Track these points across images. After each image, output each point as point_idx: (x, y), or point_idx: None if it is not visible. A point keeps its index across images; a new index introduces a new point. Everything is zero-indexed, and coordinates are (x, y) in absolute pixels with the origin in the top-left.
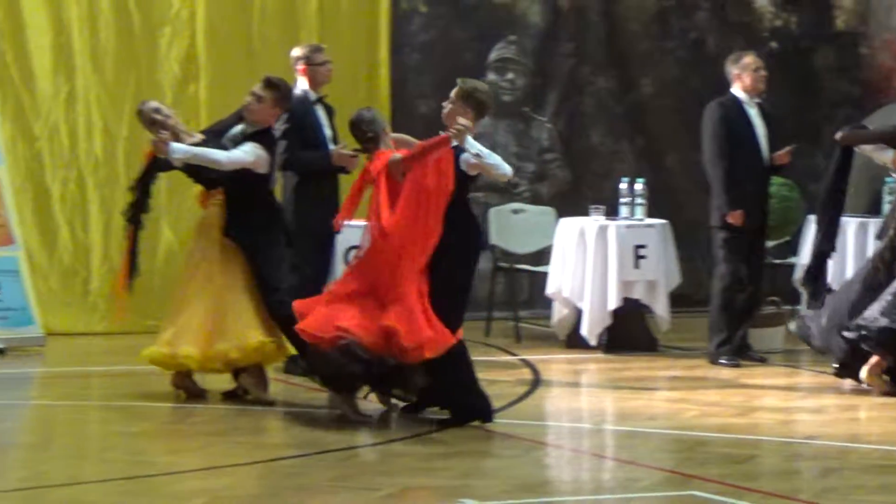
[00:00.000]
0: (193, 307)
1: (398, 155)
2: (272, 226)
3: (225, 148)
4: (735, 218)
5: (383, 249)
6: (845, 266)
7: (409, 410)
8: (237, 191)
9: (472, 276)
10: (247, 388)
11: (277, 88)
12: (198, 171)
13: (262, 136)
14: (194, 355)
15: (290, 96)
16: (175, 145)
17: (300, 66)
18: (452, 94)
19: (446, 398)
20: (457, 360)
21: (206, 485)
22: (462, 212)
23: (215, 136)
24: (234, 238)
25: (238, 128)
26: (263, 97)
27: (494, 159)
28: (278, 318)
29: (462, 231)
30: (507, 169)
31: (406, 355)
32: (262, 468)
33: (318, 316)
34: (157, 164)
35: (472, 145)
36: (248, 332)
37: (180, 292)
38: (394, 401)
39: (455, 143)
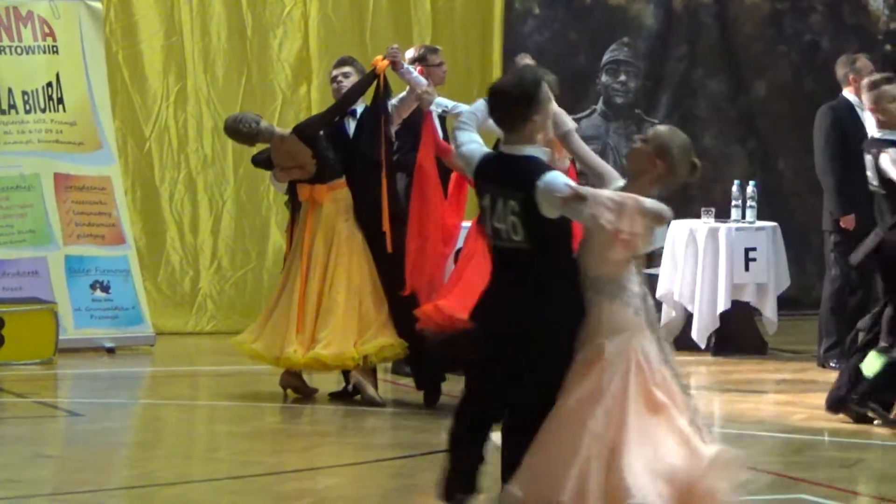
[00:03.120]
0: (333, 306)
1: None
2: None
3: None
4: (847, 222)
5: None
6: None
7: None
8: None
9: None
10: (357, 385)
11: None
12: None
13: None
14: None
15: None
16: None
17: (416, 68)
18: None
19: None
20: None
21: (311, 485)
22: None
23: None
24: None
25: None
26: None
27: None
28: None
29: None
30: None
31: None
32: (368, 469)
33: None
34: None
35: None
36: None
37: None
38: None
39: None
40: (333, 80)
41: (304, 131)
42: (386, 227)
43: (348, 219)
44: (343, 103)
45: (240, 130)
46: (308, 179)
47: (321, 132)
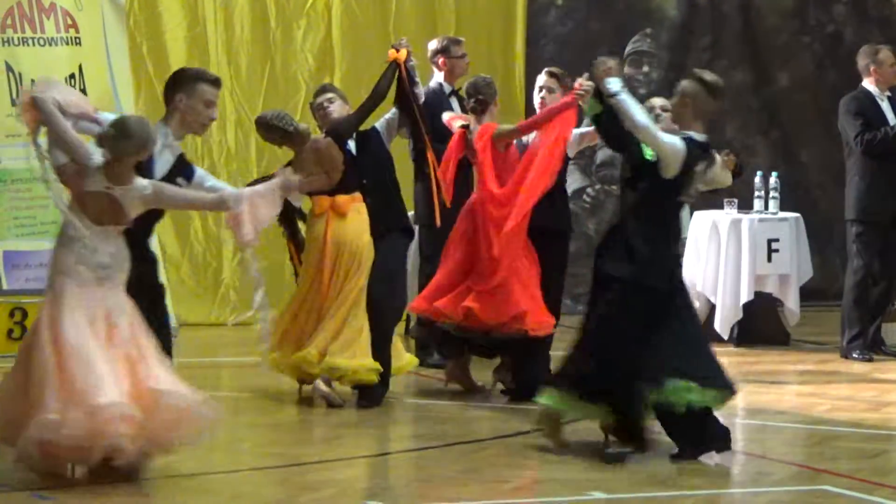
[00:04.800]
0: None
1: (505, 126)
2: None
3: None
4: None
5: (494, 220)
6: None
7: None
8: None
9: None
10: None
11: None
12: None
13: None
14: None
15: None
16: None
17: (439, 59)
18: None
19: None
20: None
21: (334, 476)
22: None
23: None
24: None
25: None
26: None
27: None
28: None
29: None
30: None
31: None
32: (390, 460)
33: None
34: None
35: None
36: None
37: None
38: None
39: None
40: (319, 108)
41: (340, 135)
42: (437, 220)
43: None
44: (375, 99)
45: (276, 126)
46: (329, 191)
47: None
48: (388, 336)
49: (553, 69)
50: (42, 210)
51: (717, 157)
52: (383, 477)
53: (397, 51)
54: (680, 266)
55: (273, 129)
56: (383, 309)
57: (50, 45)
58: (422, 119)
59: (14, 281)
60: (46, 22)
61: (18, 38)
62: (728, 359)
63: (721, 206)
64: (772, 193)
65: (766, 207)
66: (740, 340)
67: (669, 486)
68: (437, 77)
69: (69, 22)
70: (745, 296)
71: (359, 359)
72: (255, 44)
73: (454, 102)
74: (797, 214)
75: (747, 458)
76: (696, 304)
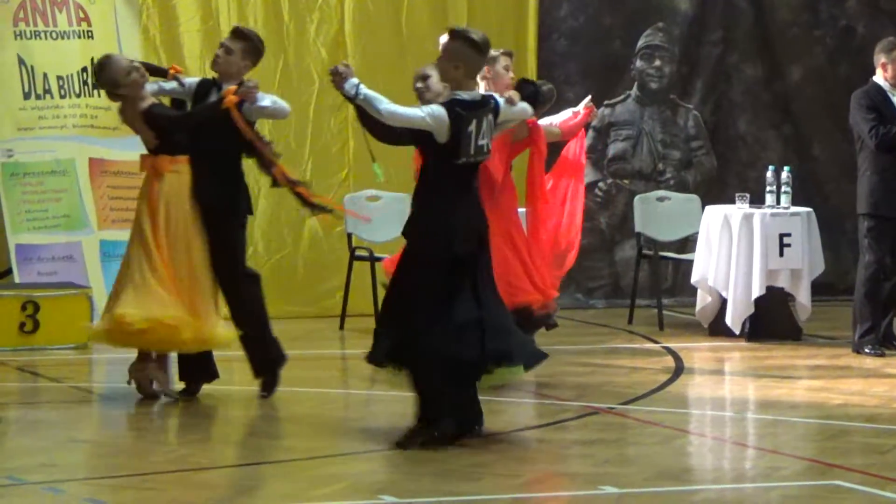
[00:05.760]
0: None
1: (551, 128)
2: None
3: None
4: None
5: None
6: None
7: None
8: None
9: None
10: (155, 378)
11: (248, 39)
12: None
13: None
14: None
15: (261, 48)
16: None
17: None
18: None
19: None
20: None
21: (345, 469)
22: None
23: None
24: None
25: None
26: (233, 49)
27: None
28: (245, 296)
29: None
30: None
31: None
32: (401, 454)
33: None
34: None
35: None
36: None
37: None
38: None
39: None
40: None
41: (154, 121)
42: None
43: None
44: (188, 122)
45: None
46: (151, 150)
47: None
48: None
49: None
50: (55, 203)
51: (499, 99)
52: (395, 471)
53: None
54: (476, 234)
55: (104, 69)
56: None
57: (62, 38)
58: (261, 150)
59: (26, 274)
60: (59, 15)
61: (31, 32)
62: (739, 353)
63: (733, 201)
64: (783, 188)
65: (778, 202)
66: (752, 335)
67: (681, 481)
68: None
69: (81, 15)
70: (757, 290)
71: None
72: (269, 37)
73: None
74: (809, 209)
75: (759, 453)
76: (708, 299)
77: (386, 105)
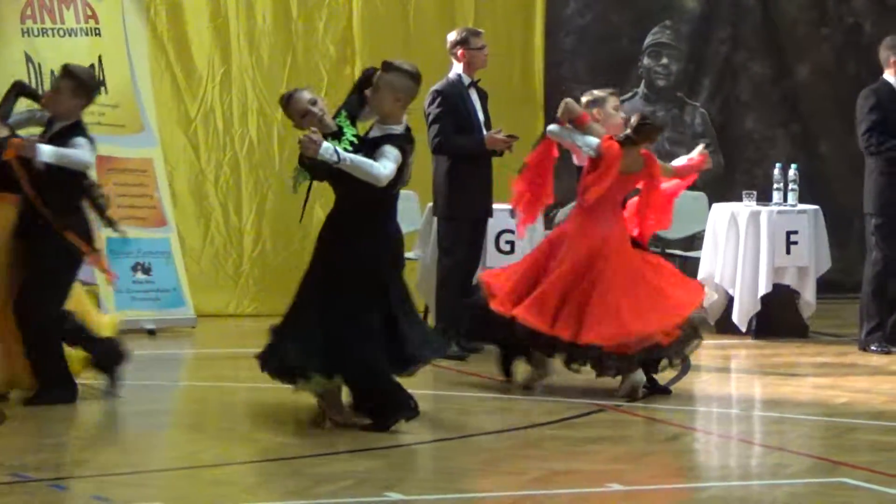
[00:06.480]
0: None
1: (667, 165)
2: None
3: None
4: None
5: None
6: None
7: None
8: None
9: None
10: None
11: (75, 78)
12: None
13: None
14: None
15: (92, 86)
16: (327, 146)
17: (458, 51)
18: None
19: None
20: None
21: (352, 467)
22: None
23: None
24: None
25: (25, 114)
26: (61, 88)
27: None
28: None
29: None
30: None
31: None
32: (408, 452)
33: None
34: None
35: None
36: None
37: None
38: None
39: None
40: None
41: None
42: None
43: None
44: None
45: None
46: None
47: None
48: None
49: (614, 90)
50: None
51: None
52: (401, 468)
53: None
54: (397, 256)
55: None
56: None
57: (70, 35)
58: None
59: None
60: (66, 13)
61: (38, 29)
62: (746, 351)
63: (740, 199)
64: (791, 185)
65: (785, 199)
66: (758, 333)
67: (687, 479)
68: (457, 68)
69: (89, 13)
70: (764, 288)
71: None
72: (277, 33)
73: (473, 94)
74: (816, 207)
75: (765, 451)
76: (715, 296)
77: (378, 169)
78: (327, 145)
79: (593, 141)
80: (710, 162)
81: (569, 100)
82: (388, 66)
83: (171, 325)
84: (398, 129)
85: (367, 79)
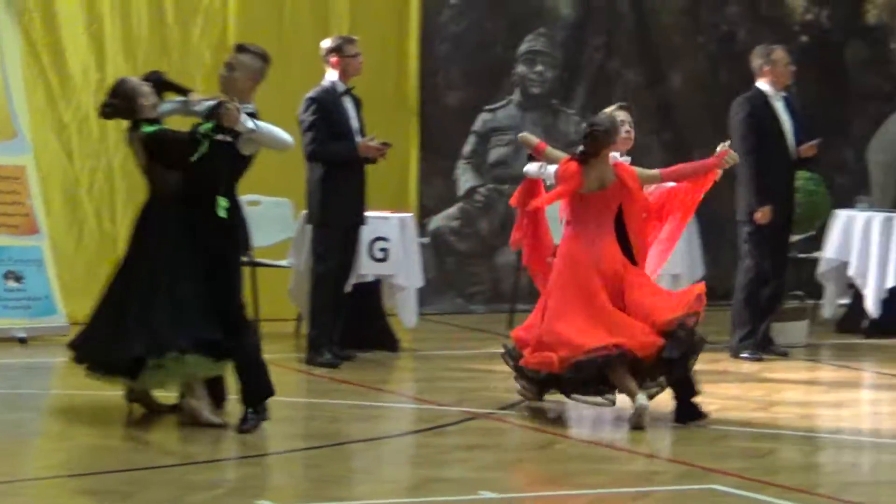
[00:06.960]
0: None
1: (647, 171)
2: None
3: None
4: (764, 215)
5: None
6: (868, 261)
7: None
8: None
9: None
10: None
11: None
12: None
13: None
14: None
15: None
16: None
17: (332, 58)
18: None
19: None
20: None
21: (224, 475)
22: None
23: None
24: None
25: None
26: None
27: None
28: None
29: None
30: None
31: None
32: (281, 459)
33: None
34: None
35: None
36: None
37: None
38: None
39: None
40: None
41: None
42: None
43: None
44: None
45: None
46: None
47: None
48: None
49: (623, 103)
50: None
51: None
52: (274, 477)
53: None
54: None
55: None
56: None
57: None
58: None
59: None
60: None
61: None
62: None
63: None
64: None
65: None
66: None
67: (560, 486)
68: (331, 75)
69: None
70: None
71: None
72: (153, 40)
73: (347, 101)
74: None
75: (638, 458)
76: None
77: (286, 134)
78: (244, 115)
79: (551, 169)
80: (731, 159)
81: (522, 133)
82: (241, 48)
83: (42, 334)
84: (250, 107)
85: (159, 80)
